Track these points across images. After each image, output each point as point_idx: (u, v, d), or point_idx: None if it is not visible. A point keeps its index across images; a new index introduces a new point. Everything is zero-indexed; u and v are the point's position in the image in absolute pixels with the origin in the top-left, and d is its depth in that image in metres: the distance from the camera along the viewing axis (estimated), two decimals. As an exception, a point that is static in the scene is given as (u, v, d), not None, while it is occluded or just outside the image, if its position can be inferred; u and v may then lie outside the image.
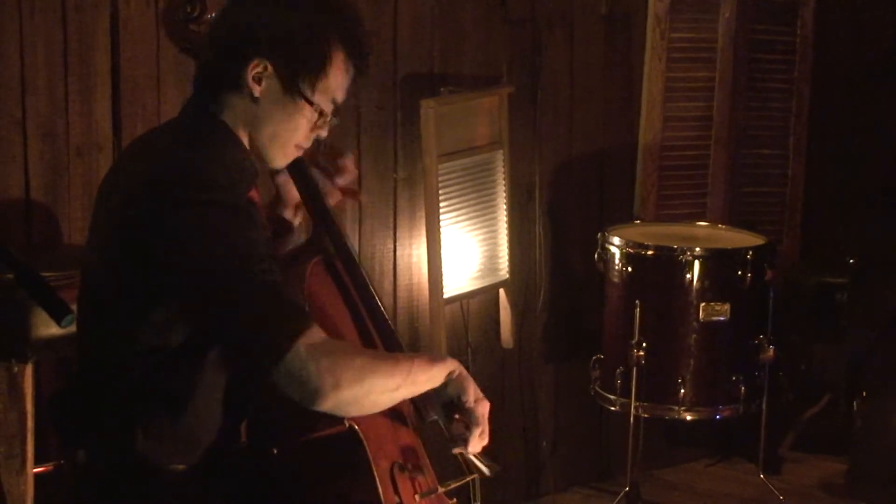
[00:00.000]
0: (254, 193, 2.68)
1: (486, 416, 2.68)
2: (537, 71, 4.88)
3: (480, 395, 2.68)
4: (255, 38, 2.55)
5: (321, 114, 2.61)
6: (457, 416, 2.70)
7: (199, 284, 2.44)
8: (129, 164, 2.66)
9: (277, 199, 2.92)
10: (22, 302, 3.12)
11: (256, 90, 2.56)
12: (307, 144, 2.67)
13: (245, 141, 2.62)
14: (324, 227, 2.85)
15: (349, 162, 2.95)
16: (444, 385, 2.64)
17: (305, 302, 2.66)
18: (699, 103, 5.22)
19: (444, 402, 2.69)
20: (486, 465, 2.80)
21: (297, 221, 2.96)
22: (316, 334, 2.44)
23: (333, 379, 2.41)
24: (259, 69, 2.55)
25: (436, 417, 2.74)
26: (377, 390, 2.50)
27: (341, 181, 2.93)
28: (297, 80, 2.56)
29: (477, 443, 2.70)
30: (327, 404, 2.44)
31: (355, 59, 2.62)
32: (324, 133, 2.65)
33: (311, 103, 2.58)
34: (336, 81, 2.60)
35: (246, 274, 2.42)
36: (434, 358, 2.64)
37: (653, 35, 5.09)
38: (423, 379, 2.60)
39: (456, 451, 2.73)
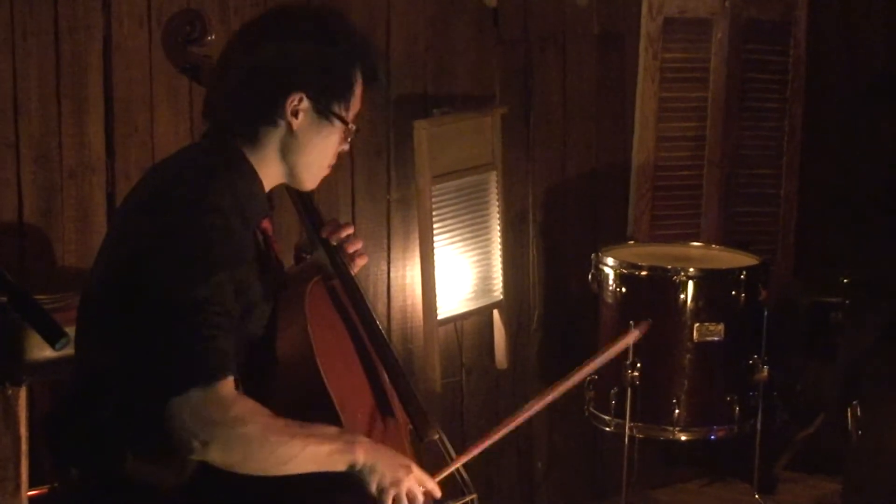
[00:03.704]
0: (267, 225, 2.72)
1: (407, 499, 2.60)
2: (530, 91, 4.88)
3: (389, 482, 2.58)
4: (291, 74, 2.62)
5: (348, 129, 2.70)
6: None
7: (154, 299, 2.45)
8: (139, 189, 2.72)
9: None
10: (15, 325, 3.11)
11: (295, 123, 2.63)
12: (334, 161, 2.74)
13: (274, 171, 2.67)
14: (323, 249, 2.88)
15: (350, 230, 2.95)
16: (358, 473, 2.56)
17: (305, 321, 2.67)
18: (692, 123, 5.22)
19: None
20: None
21: None
22: (223, 390, 2.43)
23: (203, 439, 2.41)
24: (296, 103, 2.62)
25: (436, 437, 2.72)
26: (256, 459, 2.47)
27: (354, 247, 2.94)
28: (331, 106, 2.65)
29: None
30: (195, 457, 2.45)
31: (371, 76, 2.74)
32: (346, 147, 2.73)
33: (346, 123, 2.68)
34: (357, 98, 2.71)
35: (196, 310, 2.43)
36: (342, 448, 2.56)
37: (645, 55, 5.09)
38: (318, 460, 2.53)
39: None
